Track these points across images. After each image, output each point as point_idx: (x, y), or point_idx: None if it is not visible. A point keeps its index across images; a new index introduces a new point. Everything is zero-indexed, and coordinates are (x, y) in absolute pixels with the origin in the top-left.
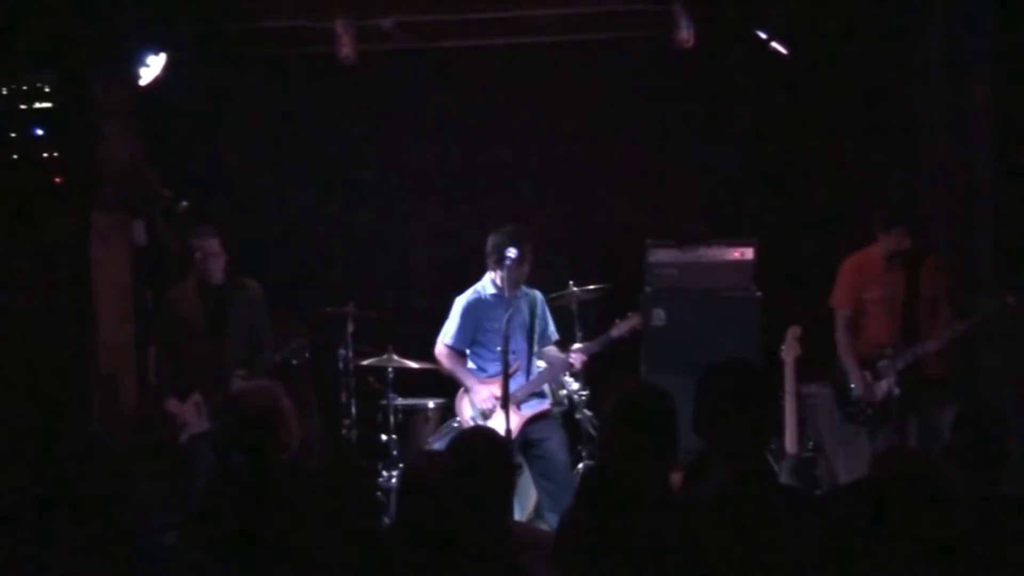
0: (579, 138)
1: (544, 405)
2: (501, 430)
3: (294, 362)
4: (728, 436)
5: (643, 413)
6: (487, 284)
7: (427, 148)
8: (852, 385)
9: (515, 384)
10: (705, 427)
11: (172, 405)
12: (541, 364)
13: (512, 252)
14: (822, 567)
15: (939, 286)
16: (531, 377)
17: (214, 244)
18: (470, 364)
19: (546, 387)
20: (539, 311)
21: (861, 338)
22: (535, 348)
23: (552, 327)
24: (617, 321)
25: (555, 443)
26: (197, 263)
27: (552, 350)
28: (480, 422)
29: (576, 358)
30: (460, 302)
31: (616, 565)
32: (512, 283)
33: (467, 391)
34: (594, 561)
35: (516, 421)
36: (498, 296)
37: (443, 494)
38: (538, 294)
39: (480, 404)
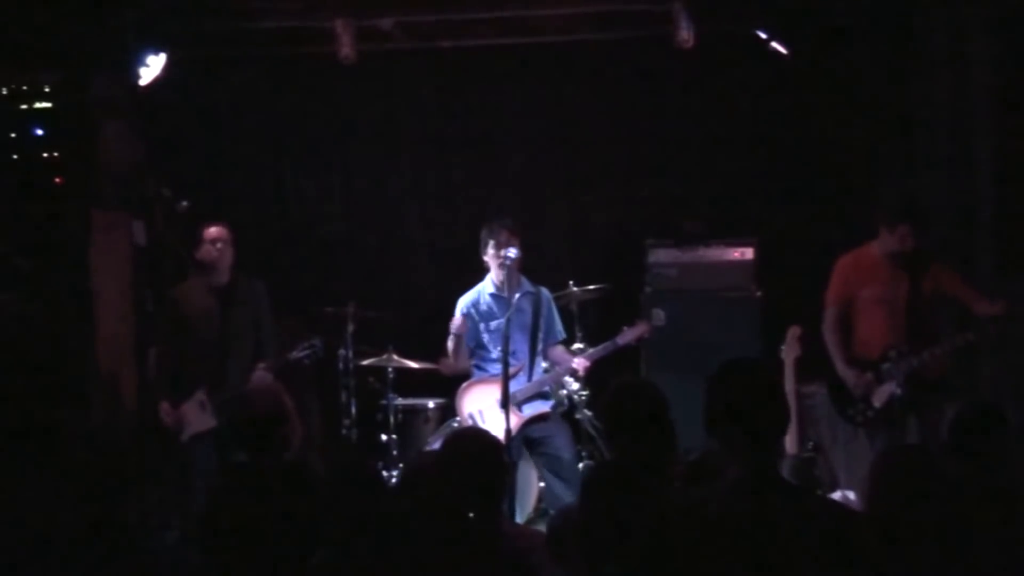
0: (579, 138)
1: (545, 407)
2: (500, 429)
3: (306, 362)
4: (741, 435)
5: (632, 408)
6: (488, 284)
7: (427, 148)
8: (849, 384)
9: (516, 385)
10: (718, 426)
11: (164, 411)
12: (545, 364)
13: (512, 252)
14: (836, 566)
15: (954, 289)
16: (533, 378)
17: (226, 244)
18: (472, 366)
19: (547, 388)
20: (544, 310)
21: (857, 337)
22: (539, 347)
23: (559, 326)
24: (624, 328)
25: (561, 439)
26: (210, 260)
27: (559, 350)
28: (479, 419)
29: (580, 364)
30: (460, 303)
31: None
32: (506, 278)
33: (467, 388)
34: (597, 561)
35: (515, 422)
36: (497, 296)
37: (439, 494)
38: (545, 292)
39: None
